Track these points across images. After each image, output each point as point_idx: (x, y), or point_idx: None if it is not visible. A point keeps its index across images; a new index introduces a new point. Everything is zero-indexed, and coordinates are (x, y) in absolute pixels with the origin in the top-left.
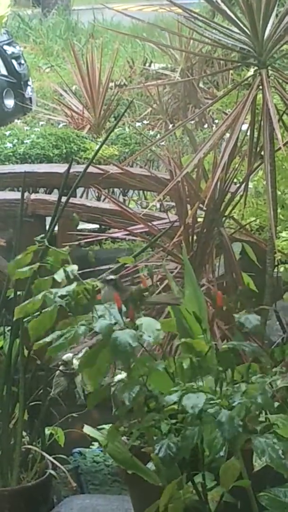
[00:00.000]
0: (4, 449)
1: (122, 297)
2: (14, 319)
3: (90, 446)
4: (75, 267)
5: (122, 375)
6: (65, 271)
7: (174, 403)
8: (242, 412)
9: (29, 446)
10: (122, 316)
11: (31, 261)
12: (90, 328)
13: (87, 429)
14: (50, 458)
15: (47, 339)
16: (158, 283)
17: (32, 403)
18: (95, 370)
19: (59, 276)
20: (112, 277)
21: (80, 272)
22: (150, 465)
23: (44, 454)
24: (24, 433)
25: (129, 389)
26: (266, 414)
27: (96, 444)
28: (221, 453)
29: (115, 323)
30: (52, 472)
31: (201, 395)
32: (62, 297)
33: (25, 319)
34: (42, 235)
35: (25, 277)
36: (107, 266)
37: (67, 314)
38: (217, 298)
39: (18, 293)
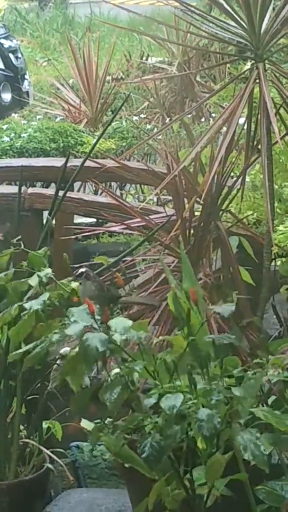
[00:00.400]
0: (1, 443)
1: (96, 291)
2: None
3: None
4: (48, 270)
5: (116, 370)
6: (39, 276)
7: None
8: (221, 408)
9: (27, 440)
10: (95, 318)
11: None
12: (64, 335)
13: (85, 423)
14: (48, 452)
15: (22, 350)
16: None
17: (30, 397)
18: (77, 375)
19: (33, 281)
20: (82, 270)
21: (77, 265)
22: None
23: (42, 448)
24: (21, 427)
25: (110, 389)
26: (262, 406)
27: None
28: (213, 449)
29: (90, 326)
30: (50, 466)
31: (179, 395)
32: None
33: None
34: (18, 238)
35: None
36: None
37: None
38: (190, 294)
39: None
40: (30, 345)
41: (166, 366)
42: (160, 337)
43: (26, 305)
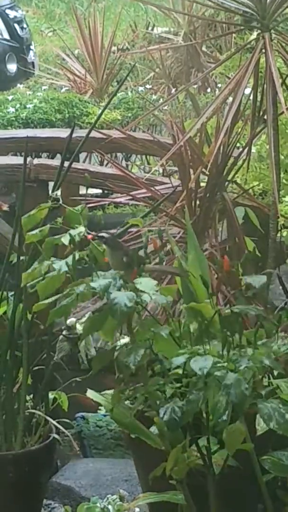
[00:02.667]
0: (8, 413)
1: (119, 255)
2: (22, 285)
3: (98, 411)
4: (82, 229)
5: (125, 340)
6: (70, 235)
7: (179, 367)
8: (249, 376)
9: (33, 411)
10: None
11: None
12: (90, 289)
13: (91, 394)
14: (54, 422)
15: (48, 301)
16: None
17: (36, 368)
18: (108, 329)
19: (65, 239)
20: (103, 234)
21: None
22: (153, 429)
23: (48, 418)
24: (27, 398)
25: (134, 352)
26: (270, 378)
27: (103, 409)
28: (224, 417)
29: (120, 286)
30: (56, 436)
31: (208, 358)
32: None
33: (30, 284)
34: (55, 192)
35: (36, 239)
36: (113, 230)
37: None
38: (224, 263)
39: (21, 258)
40: (55, 297)
41: (199, 329)
42: (187, 305)
43: (55, 265)
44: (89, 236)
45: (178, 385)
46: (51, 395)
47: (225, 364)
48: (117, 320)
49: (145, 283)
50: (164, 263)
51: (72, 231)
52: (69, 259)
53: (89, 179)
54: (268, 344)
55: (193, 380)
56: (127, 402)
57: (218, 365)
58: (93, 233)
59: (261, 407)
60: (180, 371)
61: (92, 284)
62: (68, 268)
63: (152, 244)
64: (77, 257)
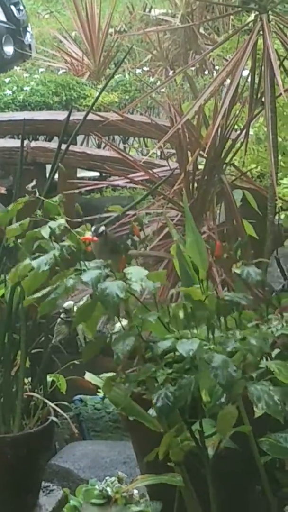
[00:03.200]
0: (6, 396)
1: (107, 245)
2: (10, 285)
3: (97, 393)
4: (62, 221)
5: (120, 324)
6: (50, 228)
7: (169, 351)
8: (237, 357)
9: (31, 393)
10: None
11: (24, 212)
12: (80, 280)
13: (89, 376)
14: (52, 405)
15: (37, 295)
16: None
17: (34, 351)
18: (92, 322)
19: (45, 232)
20: (103, 229)
21: (81, 220)
22: (151, 411)
23: (46, 401)
24: (26, 381)
25: (123, 340)
26: (266, 361)
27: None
28: (222, 400)
29: (106, 276)
30: (54, 418)
31: (195, 340)
32: (49, 260)
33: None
34: (32, 185)
35: (17, 234)
36: (106, 214)
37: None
38: (216, 248)
39: (19, 240)
40: (45, 290)
41: (185, 314)
42: (177, 289)
43: (34, 264)
44: (95, 238)
45: (170, 370)
46: (49, 378)
47: (212, 346)
48: (109, 310)
49: (136, 272)
50: (147, 249)
51: (52, 223)
52: (55, 252)
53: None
54: (258, 326)
55: (182, 365)
56: (125, 385)
57: (205, 347)
58: (91, 232)
59: (250, 389)
60: (172, 355)
61: (83, 278)
62: (55, 261)
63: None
64: (58, 250)
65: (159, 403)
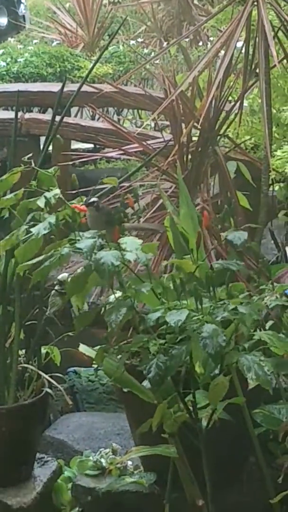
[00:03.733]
0: (0, 368)
1: (101, 215)
2: (4, 258)
3: (93, 365)
4: (57, 191)
5: (113, 295)
6: (45, 198)
7: (162, 323)
8: (230, 328)
9: (26, 365)
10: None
11: (18, 185)
12: (74, 249)
13: (83, 348)
14: (46, 376)
15: (32, 262)
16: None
17: (28, 323)
18: (82, 292)
19: (41, 202)
20: (94, 199)
21: (75, 192)
22: (146, 383)
23: (40, 373)
24: (20, 352)
25: (116, 311)
26: (258, 331)
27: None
28: (216, 371)
29: (101, 246)
30: (49, 390)
31: (183, 311)
32: (45, 228)
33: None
34: (29, 155)
35: (12, 203)
36: (102, 186)
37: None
38: (204, 218)
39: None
40: (40, 258)
41: (174, 286)
42: (169, 260)
43: (33, 230)
44: (84, 207)
45: (162, 341)
46: (43, 350)
47: (201, 316)
48: (104, 279)
49: (131, 242)
50: (141, 221)
51: (47, 194)
52: (51, 220)
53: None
54: (250, 296)
55: (173, 335)
56: (119, 356)
57: (194, 318)
58: (83, 204)
59: (241, 360)
60: (164, 326)
61: (78, 245)
62: (51, 228)
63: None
64: (54, 221)
65: (151, 373)
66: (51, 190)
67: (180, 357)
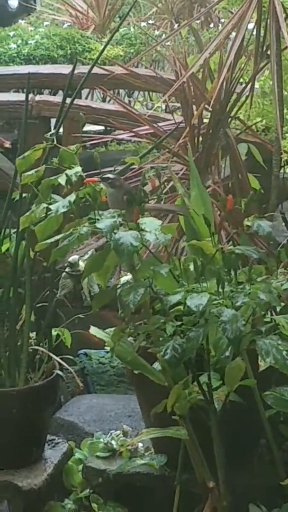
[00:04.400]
0: (11, 350)
1: (120, 194)
2: (20, 228)
3: (105, 347)
4: (79, 169)
5: (128, 277)
6: (66, 175)
7: (179, 304)
8: (246, 312)
9: (36, 347)
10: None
11: (39, 160)
12: (93, 229)
13: (94, 330)
14: (57, 358)
15: (51, 240)
16: (164, 184)
17: (39, 305)
18: (103, 271)
19: (62, 179)
20: (109, 175)
21: (86, 174)
22: (156, 365)
23: (51, 355)
24: (31, 335)
25: (134, 291)
26: (271, 315)
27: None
28: (227, 353)
29: (120, 225)
30: (59, 372)
31: (205, 295)
32: (64, 206)
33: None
34: (51, 133)
35: (32, 180)
36: (114, 167)
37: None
38: (227, 202)
39: (24, 195)
40: (59, 236)
41: (195, 267)
42: (189, 242)
43: (52, 207)
44: (94, 179)
45: (179, 323)
46: (54, 332)
47: (222, 301)
48: (123, 260)
49: (150, 223)
50: (163, 202)
51: (68, 171)
52: (71, 198)
53: (83, 119)
54: (267, 281)
55: (191, 318)
56: (130, 338)
57: (215, 302)
58: (97, 177)
59: (259, 343)
60: (181, 308)
61: (98, 225)
62: (71, 207)
63: (150, 183)
64: (73, 199)
65: (167, 354)
66: (72, 168)
67: (197, 340)
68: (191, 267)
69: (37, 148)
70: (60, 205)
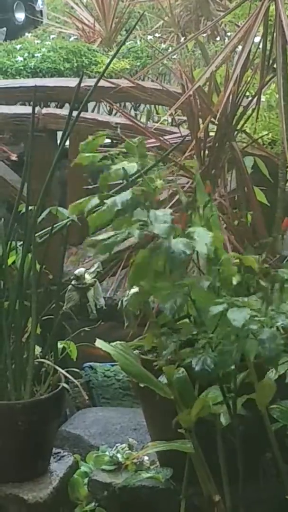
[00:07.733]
0: (17, 363)
1: None
2: (68, 216)
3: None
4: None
5: (135, 289)
6: (124, 169)
7: (185, 317)
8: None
9: (42, 360)
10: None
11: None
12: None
13: (99, 343)
14: (63, 371)
15: (100, 237)
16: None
17: (45, 318)
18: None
19: (117, 174)
20: None
21: (92, 186)
22: (162, 379)
23: (57, 367)
24: (36, 347)
25: (172, 298)
26: None
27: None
28: (232, 367)
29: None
30: (65, 385)
31: (246, 310)
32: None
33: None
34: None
35: (87, 162)
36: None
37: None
38: (285, 222)
39: (30, 208)
40: (109, 233)
41: (239, 281)
42: (232, 253)
43: (108, 201)
44: None
45: (212, 335)
46: (60, 345)
47: (263, 318)
48: (175, 267)
49: (201, 234)
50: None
51: (125, 165)
52: (126, 195)
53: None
54: None
55: (227, 331)
56: (136, 351)
57: (256, 318)
58: None
59: None
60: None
61: (155, 230)
62: (123, 205)
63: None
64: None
65: (198, 367)
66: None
67: (231, 354)
68: (234, 281)
69: (101, 135)
70: (117, 201)
